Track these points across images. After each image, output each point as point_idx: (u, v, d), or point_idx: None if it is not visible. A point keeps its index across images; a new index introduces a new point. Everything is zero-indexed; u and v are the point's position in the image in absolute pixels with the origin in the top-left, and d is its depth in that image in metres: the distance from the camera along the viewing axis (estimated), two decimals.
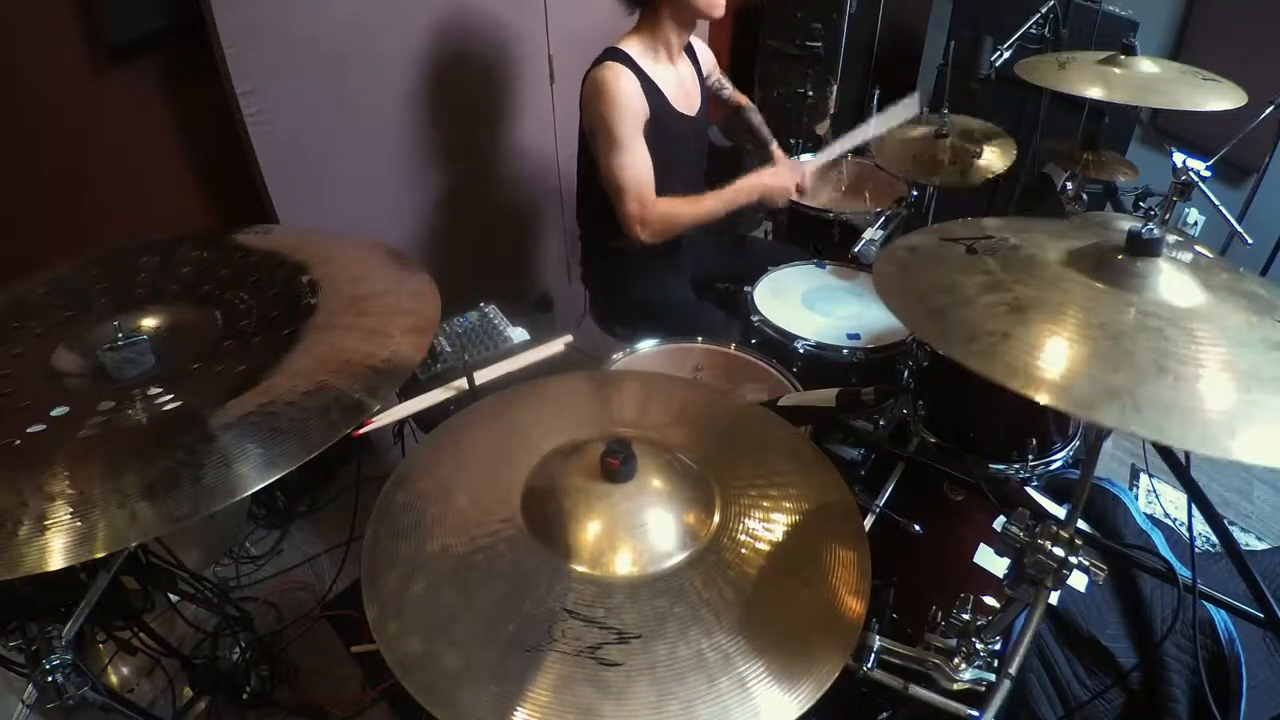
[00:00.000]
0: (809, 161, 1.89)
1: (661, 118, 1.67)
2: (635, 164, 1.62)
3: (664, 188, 1.68)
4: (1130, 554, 1.13)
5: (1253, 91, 1.56)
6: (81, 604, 0.94)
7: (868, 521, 1.20)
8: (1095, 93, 1.59)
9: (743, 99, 2.09)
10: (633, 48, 1.64)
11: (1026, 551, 0.77)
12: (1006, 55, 1.92)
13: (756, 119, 2.08)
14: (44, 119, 1.55)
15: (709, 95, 1.91)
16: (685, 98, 1.76)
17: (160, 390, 0.87)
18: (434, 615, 0.74)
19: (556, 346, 1.40)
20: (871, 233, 1.82)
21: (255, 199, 1.78)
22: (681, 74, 1.76)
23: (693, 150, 1.85)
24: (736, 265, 1.94)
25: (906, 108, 1.91)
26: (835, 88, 2.44)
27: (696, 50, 1.86)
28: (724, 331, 1.68)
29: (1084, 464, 0.81)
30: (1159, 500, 2.05)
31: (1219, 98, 1.53)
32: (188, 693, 1.43)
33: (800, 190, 1.82)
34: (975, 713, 0.79)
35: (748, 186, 1.75)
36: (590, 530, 0.81)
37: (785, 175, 1.80)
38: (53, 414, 0.83)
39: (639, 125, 1.62)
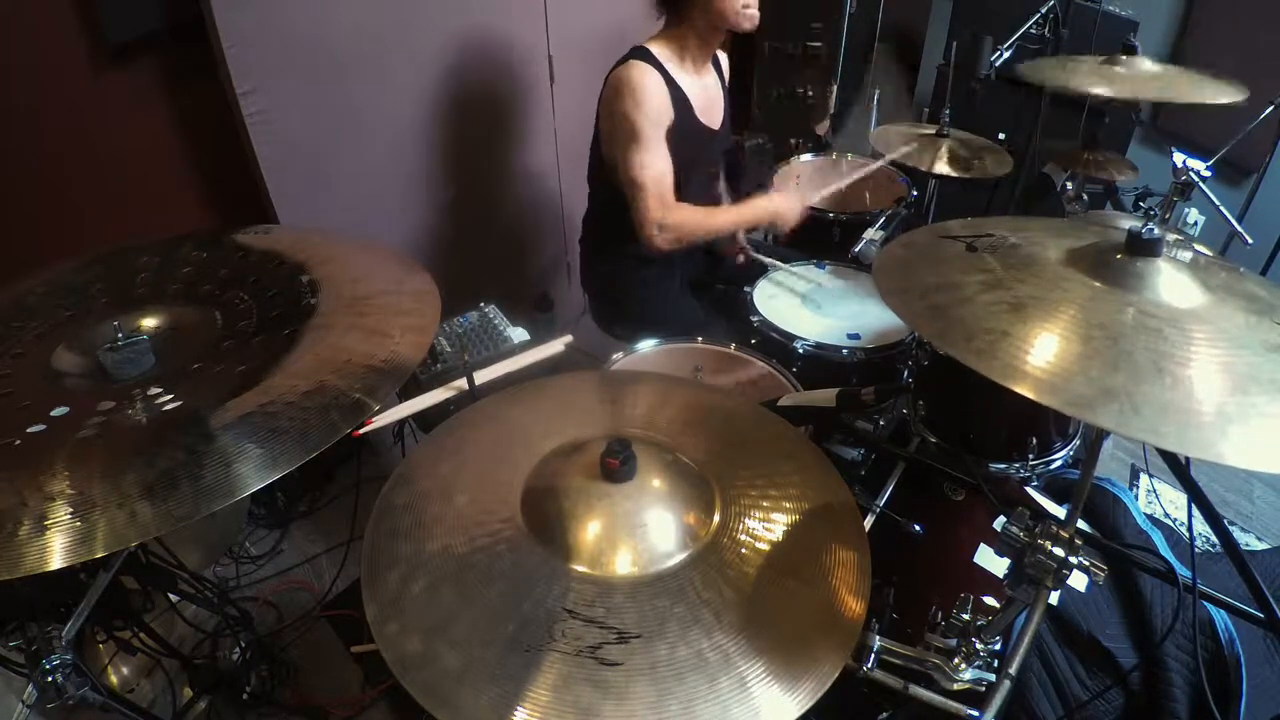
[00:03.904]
0: (812, 194, 1.85)
1: (685, 126, 1.65)
2: (657, 164, 1.60)
3: (680, 200, 1.66)
4: (1130, 554, 1.13)
5: (1253, 91, 1.56)
6: (81, 604, 0.94)
7: (868, 521, 1.20)
8: (1100, 89, 1.58)
9: None
10: (659, 50, 1.62)
11: (1026, 551, 0.77)
12: (1006, 55, 1.93)
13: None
14: (44, 119, 1.55)
15: (731, 110, 1.88)
16: (709, 109, 1.74)
17: (160, 390, 0.87)
18: (434, 615, 0.74)
19: (556, 346, 1.40)
20: (871, 233, 1.82)
21: (255, 199, 1.78)
22: (706, 84, 1.74)
23: (711, 165, 1.83)
24: (736, 266, 1.94)
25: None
26: (835, 88, 2.45)
27: (722, 63, 1.84)
28: (724, 331, 1.68)
29: (1084, 464, 0.81)
30: (1159, 500, 2.05)
31: (1219, 92, 1.52)
32: (188, 693, 1.43)
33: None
34: (975, 713, 0.79)
35: (759, 208, 1.74)
36: (590, 530, 0.81)
37: (794, 202, 1.78)
38: (53, 414, 0.83)
39: (662, 126, 1.60)
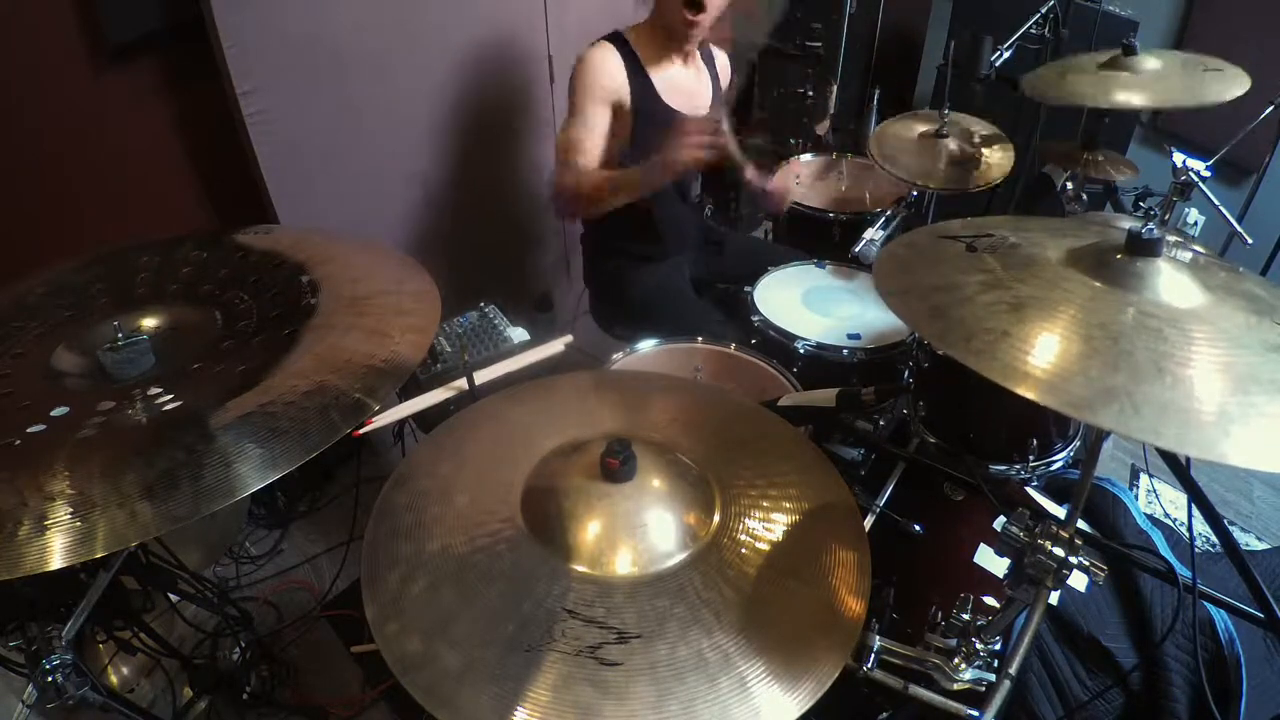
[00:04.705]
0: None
1: (645, 104, 1.64)
2: (577, 131, 1.58)
3: (657, 191, 1.61)
4: (1130, 554, 1.13)
5: (1253, 90, 1.56)
6: (81, 604, 0.94)
7: (868, 521, 1.20)
8: (1130, 99, 1.56)
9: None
10: (633, 36, 1.65)
11: (1026, 551, 0.77)
12: (1006, 55, 1.93)
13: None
14: (44, 119, 1.55)
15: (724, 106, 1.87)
16: (682, 97, 1.72)
17: (160, 390, 0.87)
18: (434, 615, 0.74)
19: (556, 346, 1.40)
20: (871, 233, 1.82)
21: (255, 199, 1.78)
22: (687, 73, 1.74)
23: None
24: (736, 265, 1.94)
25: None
26: (835, 88, 2.44)
27: (716, 61, 1.84)
28: (724, 331, 1.68)
29: (1084, 464, 0.81)
30: (1159, 500, 2.05)
31: (1223, 84, 1.51)
32: (188, 693, 1.43)
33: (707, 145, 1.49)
34: (975, 713, 0.79)
35: (652, 164, 1.51)
36: (590, 530, 0.81)
37: (684, 142, 1.47)
38: (53, 414, 0.83)
39: (603, 99, 1.60)
